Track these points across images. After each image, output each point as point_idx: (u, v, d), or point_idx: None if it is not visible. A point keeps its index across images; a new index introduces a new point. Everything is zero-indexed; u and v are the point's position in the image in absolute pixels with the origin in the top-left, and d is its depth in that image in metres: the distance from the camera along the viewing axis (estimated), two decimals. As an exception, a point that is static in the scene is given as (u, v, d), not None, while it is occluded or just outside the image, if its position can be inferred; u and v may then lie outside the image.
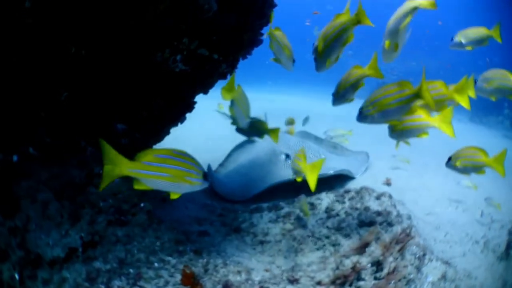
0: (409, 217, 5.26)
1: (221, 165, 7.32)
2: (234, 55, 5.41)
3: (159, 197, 6.00)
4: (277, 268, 4.23)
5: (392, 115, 3.21)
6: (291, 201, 5.59)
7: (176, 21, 4.39)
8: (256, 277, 3.94)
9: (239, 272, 3.88)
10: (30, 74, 3.80)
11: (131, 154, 5.15)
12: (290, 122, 8.45)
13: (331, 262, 4.03)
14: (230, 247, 4.68)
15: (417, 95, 3.04)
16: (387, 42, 3.42)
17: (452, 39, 4.26)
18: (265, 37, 5.03)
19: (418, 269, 4.13)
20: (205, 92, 5.95)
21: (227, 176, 6.85)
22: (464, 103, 3.19)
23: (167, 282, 3.53)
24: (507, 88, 3.87)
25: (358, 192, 5.51)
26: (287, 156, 6.20)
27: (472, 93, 3.19)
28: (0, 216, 3.63)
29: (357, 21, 3.14)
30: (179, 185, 2.74)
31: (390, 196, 5.44)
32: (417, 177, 7.53)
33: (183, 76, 5.07)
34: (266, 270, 4.15)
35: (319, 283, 3.79)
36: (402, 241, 4.21)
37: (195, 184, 2.78)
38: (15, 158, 3.88)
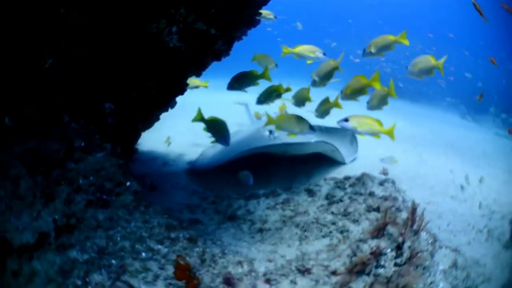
0: (415, 204, 4.60)
1: (204, 150, 6.60)
2: (231, 32, 4.56)
3: (148, 185, 5.11)
4: (281, 258, 3.44)
5: (357, 95, 4.26)
6: (288, 187, 4.75)
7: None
8: (260, 268, 3.13)
9: (240, 263, 3.05)
10: (9, 35, 2.93)
11: (118, 135, 4.36)
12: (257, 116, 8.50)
13: (346, 248, 3.20)
14: (226, 236, 3.86)
15: (369, 84, 4.15)
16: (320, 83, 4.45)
17: (364, 50, 4.58)
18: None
19: (432, 255, 3.61)
20: (198, 73, 5.10)
21: (211, 158, 6.20)
22: (377, 86, 4.16)
23: (156, 276, 2.67)
24: (429, 68, 4.38)
25: (359, 178, 4.75)
26: (271, 132, 5.49)
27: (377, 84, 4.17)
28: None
29: (280, 93, 4.42)
30: (297, 131, 4.10)
31: (394, 182, 4.74)
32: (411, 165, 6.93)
33: (176, 53, 4.33)
34: (270, 260, 3.36)
35: (334, 272, 2.95)
36: (415, 223, 3.52)
37: (305, 131, 4.07)
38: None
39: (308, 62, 4.64)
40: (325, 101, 4.53)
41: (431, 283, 3.36)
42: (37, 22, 3.16)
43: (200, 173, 5.69)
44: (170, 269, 2.69)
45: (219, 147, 6.49)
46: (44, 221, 2.78)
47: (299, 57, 4.66)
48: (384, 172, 5.96)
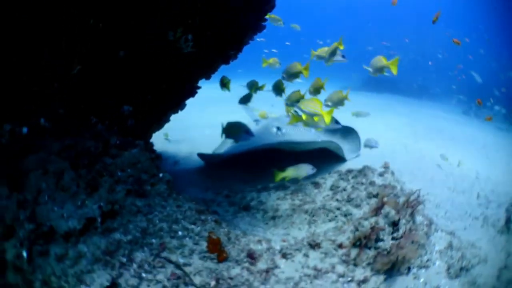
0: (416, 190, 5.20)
1: (217, 148, 7.51)
2: (240, 38, 5.22)
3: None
4: (293, 239, 4.07)
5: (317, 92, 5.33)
6: (295, 181, 5.40)
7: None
8: (276, 246, 3.76)
9: (259, 242, 3.70)
10: (44, 42, 3.50)
11: (137, 135, 4.98)
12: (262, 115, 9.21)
13: (350, 226, 3.86)
14: (242, 223, 4.50)
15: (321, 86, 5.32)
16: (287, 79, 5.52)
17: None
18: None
19: (428, 236, 4.17)
20: (208, 77, 5.72)
21: (224, 152, 7.00)
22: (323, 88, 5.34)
23: (192, 251, 3.29)
24: (381, 67, 5.10)
25: (360, 171, 5.41)
26: (278, 128, 6.22)
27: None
28: (6, 189, 3.23)
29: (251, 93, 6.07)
30: (324, 126, 4.97)
31: (393, 173, 5.36)
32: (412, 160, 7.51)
33: (190, 58, 4.87)
34: (284, 241, 3.98)
35: (340, 245, 3.61)
36: (412, 206, 4.12)
37: (331, 126, 5.14)
38: (24, 130, 3.54)
39: (328, 63, 5.38)
40: (295, 92, 5.37)
41: (427, 260, 3.97)
42: (69, 35, 3.72)
43: (212, 170, 6.35)
44: (203, 245, 3.32)
45: (228, 144, 7.22)
46: (90, 208, 3.34)
47: (320, 58, 5.46)
48: (385, 166, 6.58)
